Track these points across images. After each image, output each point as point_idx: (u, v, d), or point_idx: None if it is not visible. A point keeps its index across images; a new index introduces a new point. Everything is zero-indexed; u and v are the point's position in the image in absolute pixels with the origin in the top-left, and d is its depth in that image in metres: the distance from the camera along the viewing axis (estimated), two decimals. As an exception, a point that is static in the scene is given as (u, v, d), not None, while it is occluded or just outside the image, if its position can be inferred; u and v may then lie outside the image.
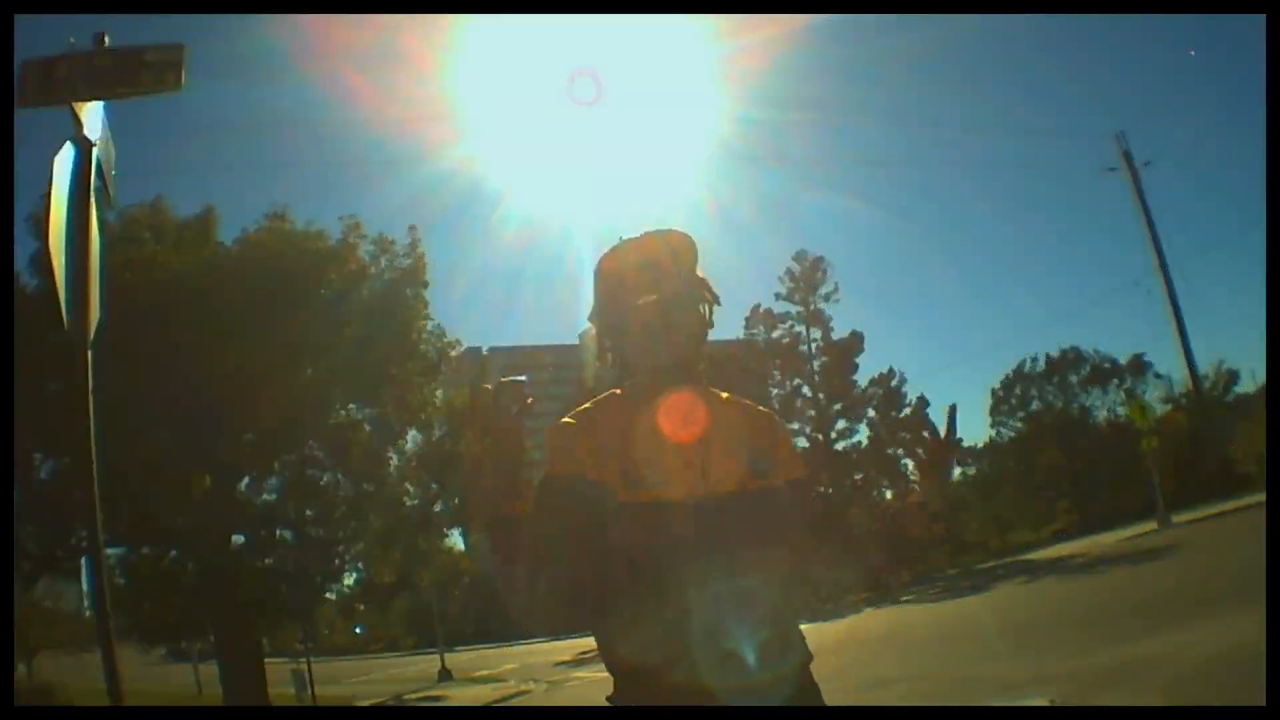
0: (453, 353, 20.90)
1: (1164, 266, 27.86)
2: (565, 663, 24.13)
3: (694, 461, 1.90)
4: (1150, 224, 28.31)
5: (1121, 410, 36.14)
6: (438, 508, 21.66)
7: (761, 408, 2.15)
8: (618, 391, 2.00)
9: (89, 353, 3.81)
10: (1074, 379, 41.97)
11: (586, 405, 1.98)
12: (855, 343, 38.86)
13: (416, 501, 21.01)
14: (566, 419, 1.94)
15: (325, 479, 20.05)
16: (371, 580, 21.12)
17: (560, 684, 18.95)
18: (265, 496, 20.30)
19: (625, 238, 2.02)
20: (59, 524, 16.81)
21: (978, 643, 8.49)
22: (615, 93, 43.91)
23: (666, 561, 1.82)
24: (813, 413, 38.61)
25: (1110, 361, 41.22)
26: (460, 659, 33.88)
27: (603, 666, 1.97)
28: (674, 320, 1.95)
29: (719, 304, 2.04)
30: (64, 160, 3.87)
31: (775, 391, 38.48)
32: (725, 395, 2.09)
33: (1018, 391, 42.93)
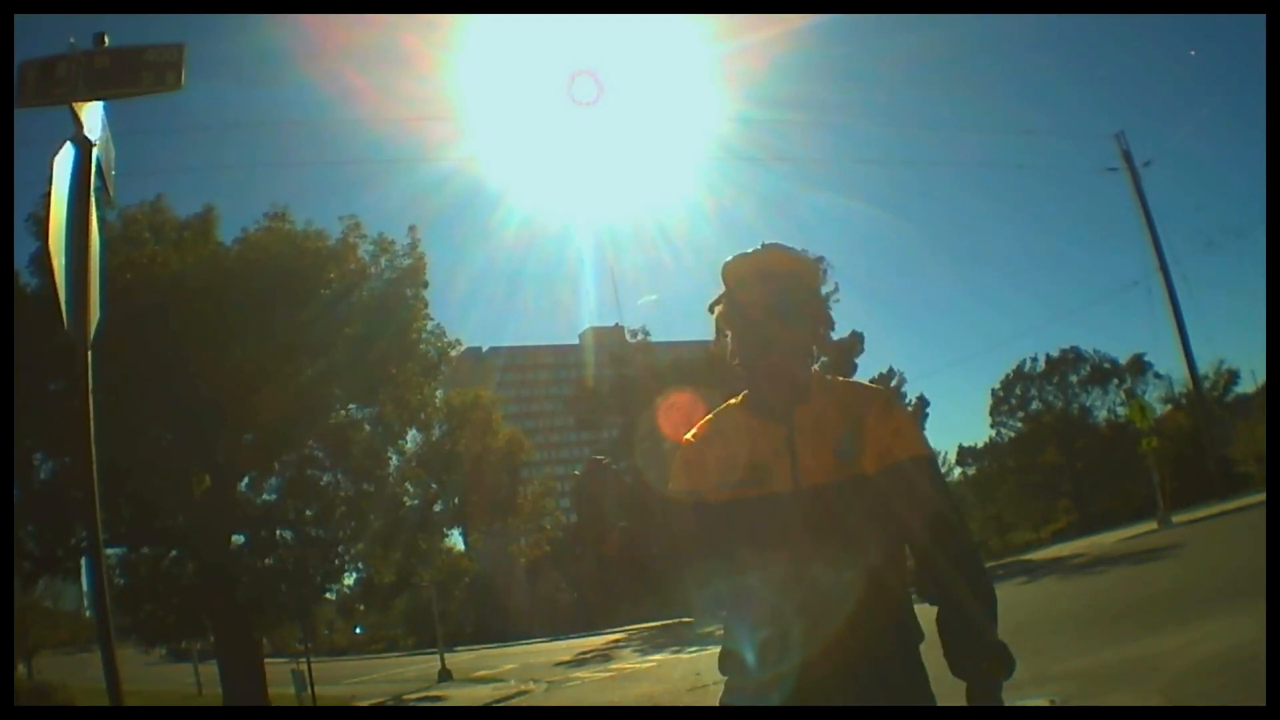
0: (453, 353, 20.91)
1: (1164, 266, 27.79)
2: (565, 663, 24.10)
3: (782, 462, 2.03)
4: (1150, 224, 28.25)
5: (1121, 410, 36.10)
6: (437, 508, 21.66)
7: (871, 386, 2.21)
8: (733, 402, 2.20)
9: (89, 353, 3.80)
10: (1074, 379, 41.94)
11: (705, 419, 2.23)
12: (855, 343, 38.81)
13: (416, 501, 21.00)
14: (686, 437, 2.22)
15: (325, 479, 20.05)
16: (371, 580, 21.09)
17: (560, 684, 18.90)
18: (265, 496, 20.33)
19: (752, 249, 2.18)
20: (59, 524, 16.81)
21: (977, 643, 8.53)
22: (615, 93, 44.01)
23: (746, 555, 2.01)
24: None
25: (1110, 361, 41.21)
26: (460, 659, 33.84)
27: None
28: (770, 332, 2.09)
29: (831, 326, 2.19)
30: (64, 160, 3.86)
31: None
32: (832, 380, 2.20)
33: (1018, 391, 42.91)
